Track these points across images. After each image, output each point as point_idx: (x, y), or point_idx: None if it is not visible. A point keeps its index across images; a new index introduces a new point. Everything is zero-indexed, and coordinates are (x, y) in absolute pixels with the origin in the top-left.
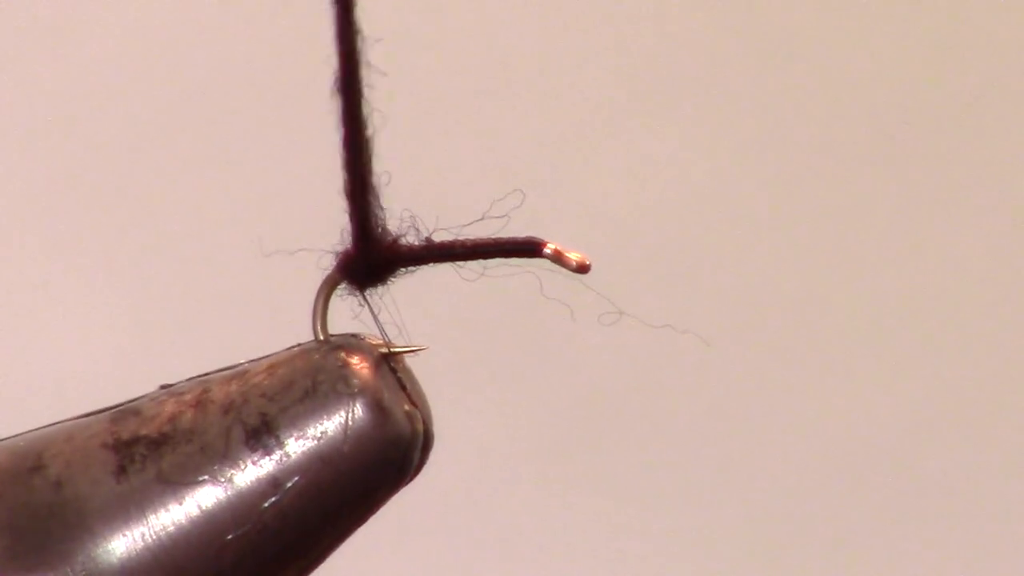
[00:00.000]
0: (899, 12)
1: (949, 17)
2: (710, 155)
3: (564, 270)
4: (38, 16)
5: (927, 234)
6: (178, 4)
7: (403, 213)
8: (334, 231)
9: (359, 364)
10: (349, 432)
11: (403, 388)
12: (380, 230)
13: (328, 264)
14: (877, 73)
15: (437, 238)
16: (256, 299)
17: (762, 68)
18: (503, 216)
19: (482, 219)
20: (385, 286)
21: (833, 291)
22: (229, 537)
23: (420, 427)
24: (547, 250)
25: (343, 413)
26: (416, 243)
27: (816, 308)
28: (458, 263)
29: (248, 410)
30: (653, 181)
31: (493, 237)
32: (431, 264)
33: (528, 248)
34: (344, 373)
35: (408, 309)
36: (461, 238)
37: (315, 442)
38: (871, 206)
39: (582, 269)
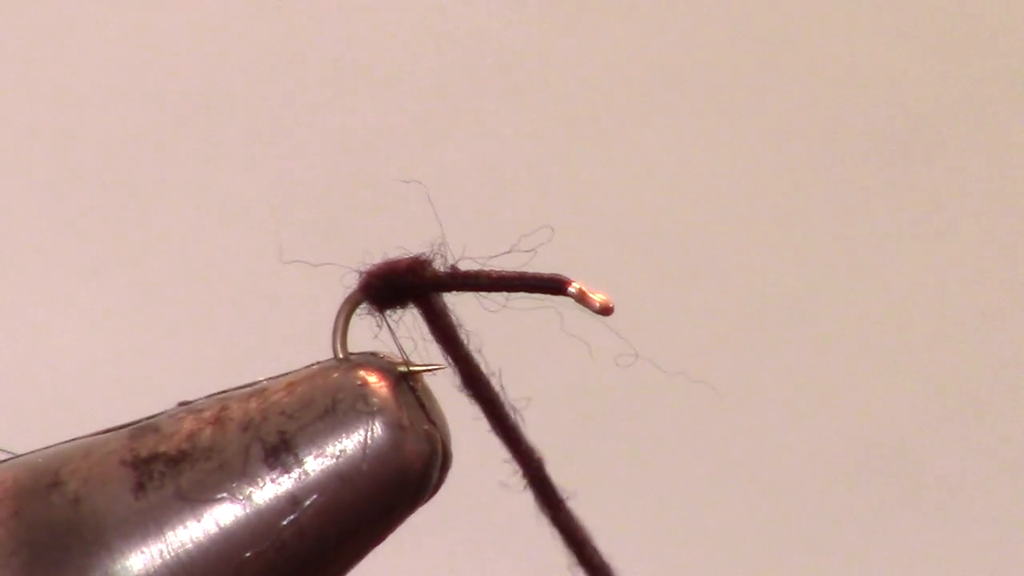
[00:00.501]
0: (903, 12)
1: (952, 17)
2: (751, 197)
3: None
4: (53, 12)
5: (931, 234)
6: (206, 3)
7: (432, 240)
8: (356, 247)
9: (378, 383)
10: (368, 451)
11: (422, 407)
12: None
13: (350, 282)
14: (890, 73)
15: (463, 267)
16: (276, 315)
17: (798, 106)
18: (530, 250)
19: (509, 252)
20: (406, 308)
21: (837, 292)
22: (247, 555)
23: (439, 446)
24: (571, 289)
25: (362, 432)
26: (442, 270)
27: (819, 307)
28: (481, 293)
29: (267, 428)
30: (685, 221)
31: (519, 271)
32: (454, 292)
33: (553, 285)
34: (363, 392)
35: (427, 327)
36: (487, 269)
37: (334, 460)
38: (879, 209)
39: (605, 311)
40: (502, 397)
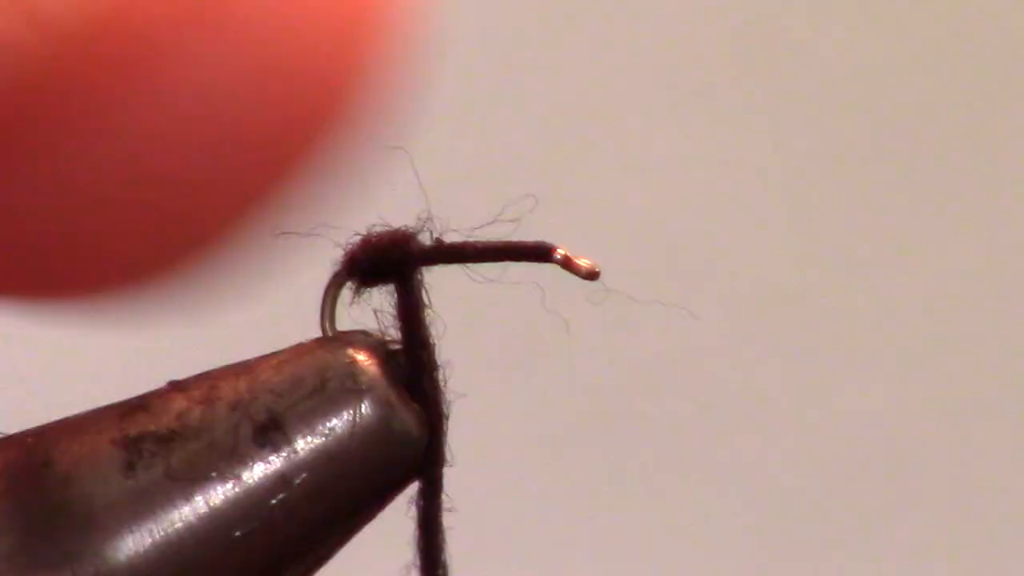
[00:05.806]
0: (908, 12)
1: (955, 17)
2: (724, 164)
3: (574, 276)
4: None
5: (932, 234)
6: None
7: (416, 213)
8: (343, 225)
9: (367, 361)
10: (357, 429)
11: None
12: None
13: (337, 260)
14: (891, 73)
15: (448, 239)
16: (265, 293)
17: (782, 78)
18: (514, 220)
19: (493, 222)
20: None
21: (838, 292)
22: (237, 534)
23: (428, 424)
24: (557, 255)
25: (351, 410)
26: (427, 244)
27: (820, 307)
28: (468, 264)
29: (256, 407)
30: (667, 188)
31: (503, 240)
32: (440, 265)
33: (538, 253)
34: (352, 370)
35: (397, 306)
36: (472, 240)
37: (323, 439)
38: (879, 208)
39: (591, 276)
40: (443, 392)
